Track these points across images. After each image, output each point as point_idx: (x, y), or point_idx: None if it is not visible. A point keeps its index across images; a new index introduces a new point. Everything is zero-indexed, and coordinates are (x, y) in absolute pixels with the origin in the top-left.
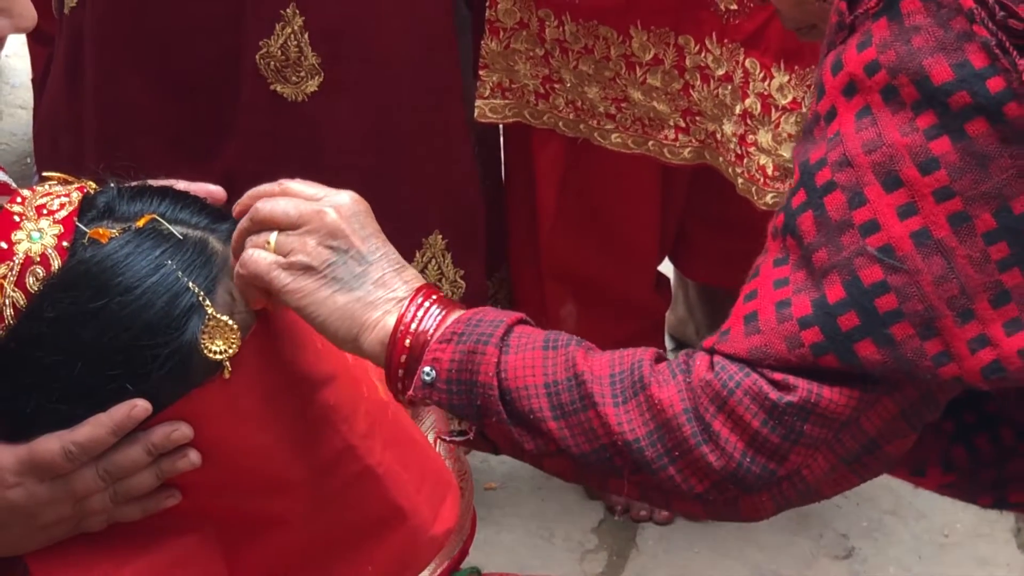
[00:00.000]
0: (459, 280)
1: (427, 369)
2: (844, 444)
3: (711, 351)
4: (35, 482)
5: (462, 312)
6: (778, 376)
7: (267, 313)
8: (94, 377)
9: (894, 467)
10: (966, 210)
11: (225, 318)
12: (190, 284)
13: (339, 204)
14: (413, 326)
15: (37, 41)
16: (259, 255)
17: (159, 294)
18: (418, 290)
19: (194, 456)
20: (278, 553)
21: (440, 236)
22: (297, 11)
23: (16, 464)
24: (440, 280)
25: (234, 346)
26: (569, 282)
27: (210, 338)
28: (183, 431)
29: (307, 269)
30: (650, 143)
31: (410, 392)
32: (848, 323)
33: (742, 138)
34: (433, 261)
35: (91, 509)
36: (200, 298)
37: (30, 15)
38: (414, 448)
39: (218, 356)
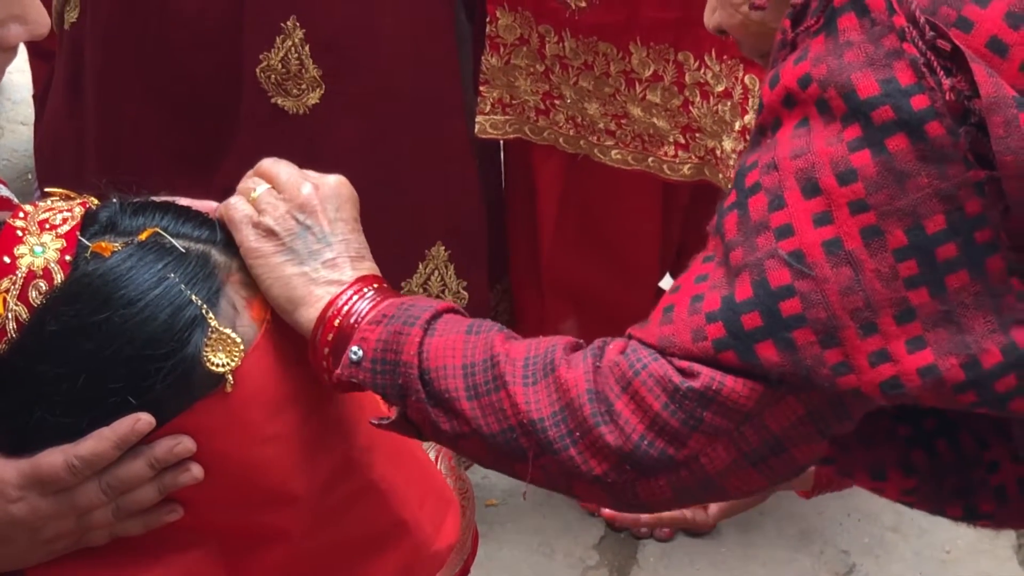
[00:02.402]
0: (462, 291)
1: (355, 348)
2: (747, 439)
3: (628, 336)
4: (38, 496)
5: (397, 298)
6: (684, 364)
7: (270, 326)
8: (97, 390)
9: (801, 473)
10: (879, 224)
11: (228, 331)
12: (193, 297)
13: (321, 183)
14: (345, 308)
15: (38, 57)
16: (240, 204)
17: (162, 307)
18: (363, 278)
19: (196, 470)
20: (279, 568)
21: (443, 248)
22: (298, 24)
23: (19, 478)
24: (443, 291)
25: (237, 359)
26: (570, 297)
27: (213, 351)
28: (186, 445)
29: (270, 233)
30: (650, 159)
31: (337, 371)
32: (751, 323)
33: (741, 154)
34: (436, 272)
35: (93, 523)
36: (203, 311)
37: (45, 21)
38: (415, 464)
39: (220, 369)
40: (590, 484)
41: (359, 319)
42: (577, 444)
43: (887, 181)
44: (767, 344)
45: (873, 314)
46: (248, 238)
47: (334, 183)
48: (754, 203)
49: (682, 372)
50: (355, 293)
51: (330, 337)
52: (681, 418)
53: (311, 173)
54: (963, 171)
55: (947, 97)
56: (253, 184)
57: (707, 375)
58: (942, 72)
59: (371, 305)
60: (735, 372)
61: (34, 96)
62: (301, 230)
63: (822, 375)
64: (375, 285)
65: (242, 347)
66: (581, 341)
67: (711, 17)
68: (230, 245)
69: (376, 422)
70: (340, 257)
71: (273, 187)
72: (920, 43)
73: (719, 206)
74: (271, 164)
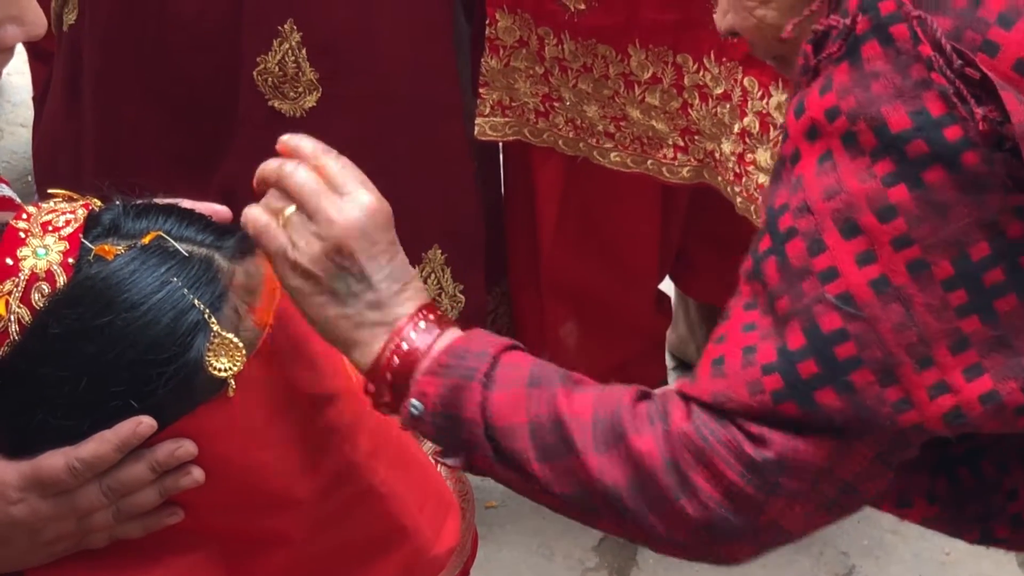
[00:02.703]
0: (458, 295)
1: (414, 402)
2: (822, 491)
3: (683, 396)
4: (39, 498)
5: (450, 340)
6: (754, 429)
7: (273, 330)
8: (99, 393)
9: (872, 503)
10: (924, 257)
11: (230, 336)
12: (195, 301)
13: (352, 219)
14: (396, 360)
15: (38, 59)
16: (274, 232)
17: (164, 311)
18: (410, 316)
19: (197, 473)
20: (280, 571)
21: (439, 251)
22: (295, 27)
23: (20, 480)
24: (440, 295)
25: (239, 364)
26: (569, 300)
27: (215, 355)
28: (187, 448)
29: (308, 275)
30: (649, 162)
31: (398, 423)
32: (808, 371)
33: (741, 157)
34: (432, 276)
35: (94, 526)
36: (205, 315)
37: (41, 22)
38: (416, 467)
39: (223, 374)
40: (671, 546)
41: (413, 364)
42: (656, 513)
43: (928, 214)
44: (827, 391)
45: (928, 347)
46: (287, 277)
47: (365, 213)
48: (792, 248)
49: (753, 439)
50: (402, 340)
51: (387, 384)
52: (757, 485)
53: (344, 182)
54: (1002, 197)
55: (980, 127)
56: (281, 204)
57: (779, 443)
58: (973, 101)
59: (425, 345)
60: (807, 428)
61: (34, 98)
62: (339, 272)
63: (884, 414)
64: (421, 322)
65: (244, 352)
66: (643, 390)
67: (722, 20)
68: (234, 250)
69: (441, 460)
70: (383, 296)
71: (301, 208)
72: (948, 72)
73: (752, 250)
74: (296, 179)
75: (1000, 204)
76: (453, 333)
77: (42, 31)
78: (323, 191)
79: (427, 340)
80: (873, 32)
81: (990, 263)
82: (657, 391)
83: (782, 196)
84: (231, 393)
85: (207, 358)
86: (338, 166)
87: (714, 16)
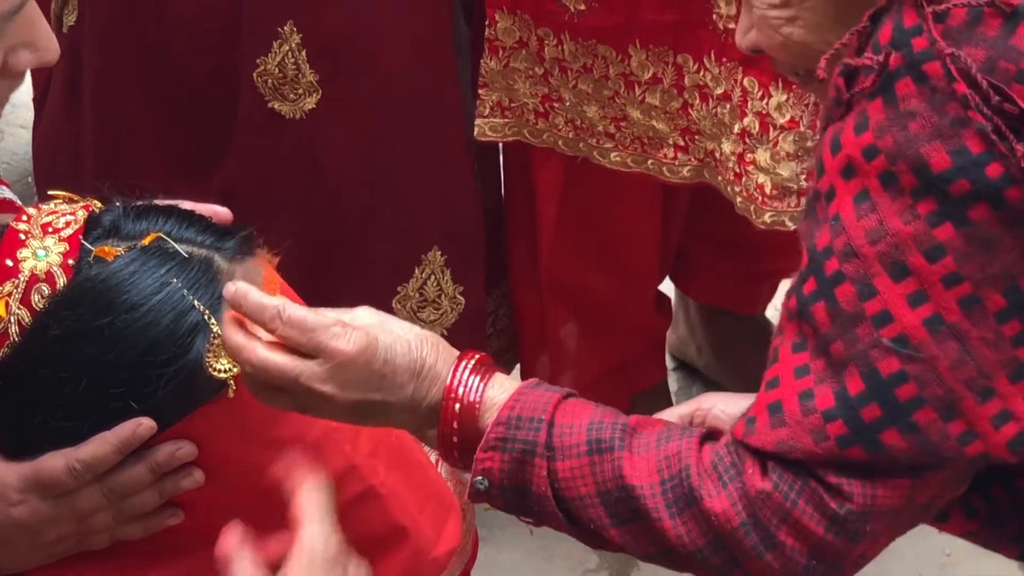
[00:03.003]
0: (458, 296)
1: (479, 479)
2: (902, 521)
3: (749, 449)
4: (39, 499)
5: (499, 398)
6: (833, 479)
7: None
8: (99, 395)
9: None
10: (976, 293)
11: None
12: (195, 302)
13: (344, 381)
14: (455, 426)
15: None
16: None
17: (164, 312)
18: (446, 392)
19: (198, 475)
20: None
21: (439, 252)
22: (295, 28)
23: (20, 481)
24: (439, 296)
25: (238, 365)
26: (570, 301)
27: (215, 356)
28: (187, 449)
29: (349, 415)
30: (649, 162)
31: (466, 497)
32: (871, 414)
33: (741, 157)
34: (432, 277)
35: (94, 527)
36: (205, 316)
37: (54, 48)
38: (417, 469)
39: (223, 375)
40: None
41: (474, 416)
42: (741, 569)
43: (976, 250)
44: (891, 432)
45: (987, 379)
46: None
47: (349, 371)
48: (842, 293)
49: (833, 492)
50: (452, 417)
51: (458, 447)
52: (845, 536)
53: (315, 341)
54: None
55: (1022, 164)
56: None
57: (859, 493)
58: (1012, 137)
59: (477, 396)
60: (868, 467)
61: (34, 99)
62: (369, 412)
63: (949, 448)
64: (460, 391)
65: None
66: (703, 433)
67: (743, 37)
68: (234, 251)
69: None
70: (414, 399)
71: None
72: (985, 109)
73: (796, 290)
74: (263, 360)
75: None
76: (499, 383)
77: (55, 57)
78: (301, 371)
79: (477, 388)
80: (907, 69)
81: None
82: (722, 440)
83: (823, 237)
84: (231, 394)
85: (207, 359)
86: (303, 317)
87: (710, 60)
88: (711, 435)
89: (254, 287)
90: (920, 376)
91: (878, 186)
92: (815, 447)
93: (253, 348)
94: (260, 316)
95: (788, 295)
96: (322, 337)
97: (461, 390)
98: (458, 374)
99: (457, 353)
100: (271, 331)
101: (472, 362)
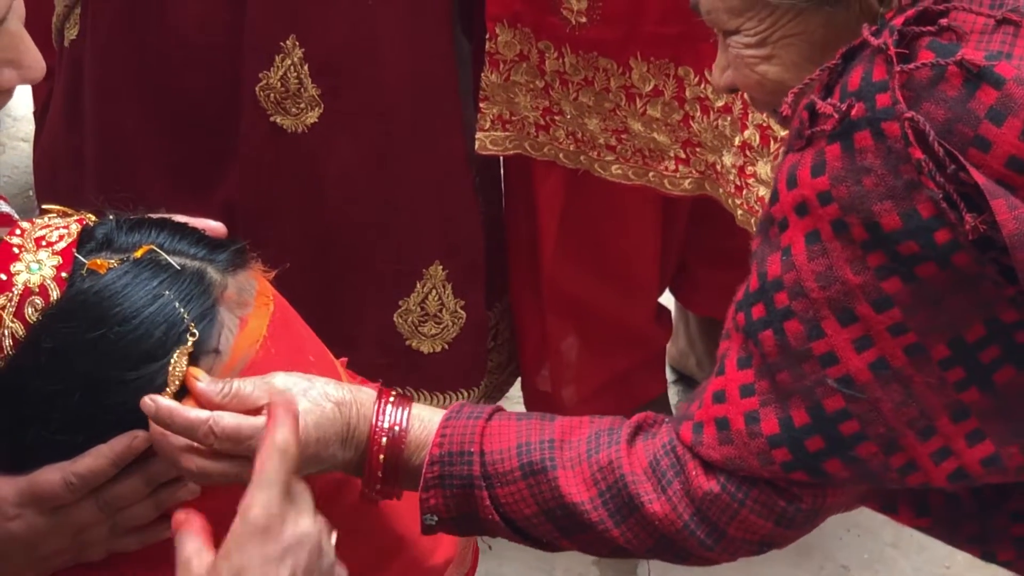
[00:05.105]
0: (459, 310)
1: (428, 516)
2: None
3: (694, 453)
4: (35, 513)
5: (428, 443)
6: (782, 484)
7: (266, 343)
8: (93, 407)
9: (863, 500)
10: (921, 342)
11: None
12: (184, 316)
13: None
14: (381, 459)
15: None
16: None
17: (156, 324)
18: (374, 416)
19: (193, 486)
20: None
21: (440, 267)
22: (297, 43)
23: (16, 496)
24: (441, 310)
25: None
26: (570, 314)
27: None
28: None
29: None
30: (650, 174)
31: (421, 528)
32: (815, 446)
33: (741, 169)
34: (434, 291)
35: (90, 540)
36: (190, 331)
37: (39, 67)
38: None
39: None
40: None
41: (399, 448)
42: (695, 558)
43: (922, 304)
44: (834, 462)
45: (929, 420)
46: None
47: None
48: (790, 329)
49: (782, 493)
50: (379, 438)
51: (379, 479)
52: (796, 527)
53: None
54: (994, 289)
55: (969, 235)
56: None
57: (809, 497)
58: (963, 206)
59: (402, 423)
60: (813, 484)
61: (35, 113)
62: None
63: (890, 478)
64: (383, 414)
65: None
66: (629, 429)
67: (720, 77)
68: (226, 263)
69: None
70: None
71: None
72: (938, 177)
73: (744, 308)
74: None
75: (994, 295)
76: (418, 414)
77: (40, 75)
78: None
79: (400, 418)
80: (867, 123)
81: (986, 342)
82: (659, 439)
83: (775, 267)
84: None
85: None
86: (230, 442)
87: (711, 73)
88: (641, 427)
89: (176, 404)
90: (863, 415)
91: (830, 232)
92: (761, 470)
93: (188, 455)
94: (192, 434)
95: (736, 309)
96: (255, 444)
97: (386, 425)
98: (380, 412)
99: (373, 394)
100: (206, 447)
101: (391, 398)
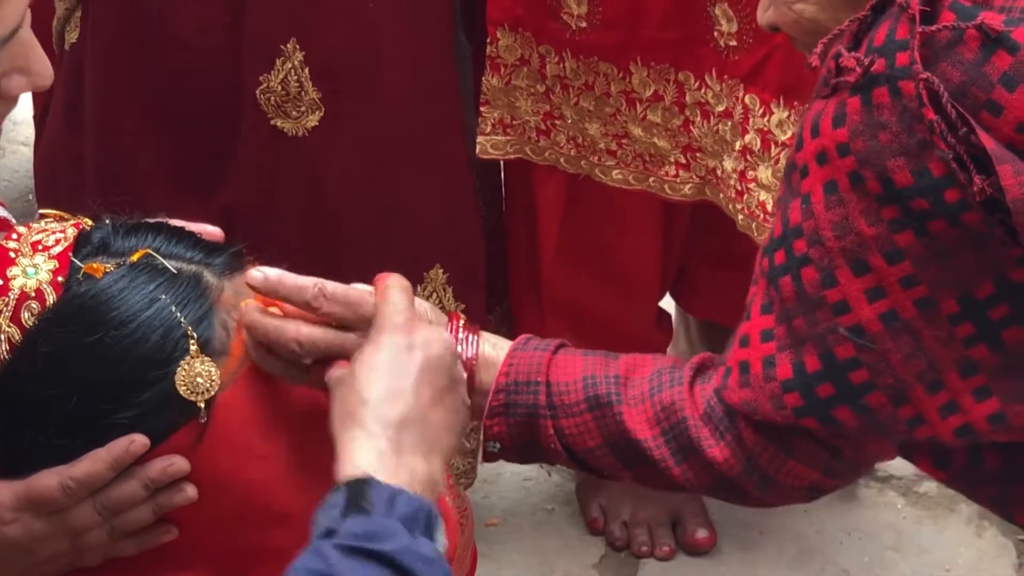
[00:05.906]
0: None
1: (491, 443)
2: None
3: (722, 401)
4: (32, 518)
5: (495, 370)
6: (822, 436)
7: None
8: (90, 411)
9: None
10: (932, 296)
11: (207, 358)
12: (181, 320)
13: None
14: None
15: None
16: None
17: (153, 328)
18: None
19: (190, 490)
20: None
21: (441, 270)
22: (298, 46)
23: (13, 500)
24: None
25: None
26: (570, 318)
27: (187, 377)
28: (179, 465)
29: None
30: (651, 179)
31: (480, 459)
32: (825, 392)
33: (742, 174)
34: (434, 295)
35: (88, 544)
36: (188, 333)
37: (48, 73)
38: None
39: (194, 397)
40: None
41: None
42: (748, 499)
43: (934, 258)
44: (843, 409)
45: (937, 373)
46: None
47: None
48: (806, 275)
49: (824, 446)
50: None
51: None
52: (842, 476)
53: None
54: (1003, 249)
55: (977, 196)
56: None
57: (850, 451)
58: (973, 167)
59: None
60: (824, 433)
61: (35, 117)
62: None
63: (898, 430)
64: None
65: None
66: (693, 370)
67: (763, 14)
68: (223, 266)
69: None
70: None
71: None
72: (950, 138)
73: (769, 253)
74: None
75: (1002, 254)
76: (488, 345)
77: (48, 82)
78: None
79: (470, 341)
80: (885, 80)
81: (995, 300)
82: (710, 384)
83: (795, 214)
84: (203, 418)
85: (177, 381)
86: (340, 305)
87: (711, 78)
88: (700, 368)
89: (282, 271)
90: (873, 365)
91: (847, 183)
92: (774, 414)
93: (296, 326)
94: (301, 296)
95: (762, 254)
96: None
97: (459, 348)
98: (453, 331)
99: (444, 317)
100: (315, 310)
101: (461, 322)
